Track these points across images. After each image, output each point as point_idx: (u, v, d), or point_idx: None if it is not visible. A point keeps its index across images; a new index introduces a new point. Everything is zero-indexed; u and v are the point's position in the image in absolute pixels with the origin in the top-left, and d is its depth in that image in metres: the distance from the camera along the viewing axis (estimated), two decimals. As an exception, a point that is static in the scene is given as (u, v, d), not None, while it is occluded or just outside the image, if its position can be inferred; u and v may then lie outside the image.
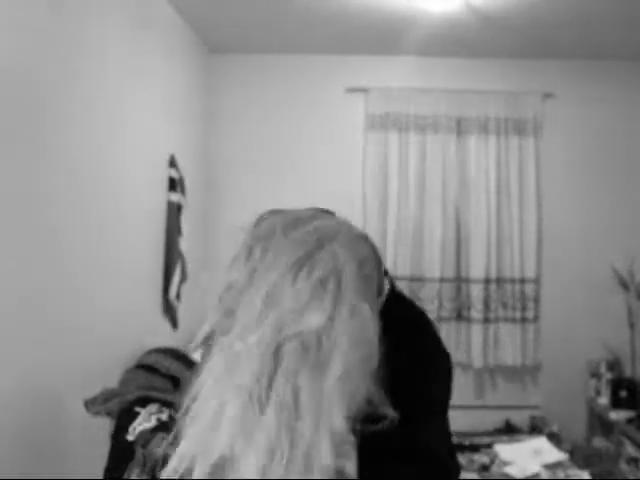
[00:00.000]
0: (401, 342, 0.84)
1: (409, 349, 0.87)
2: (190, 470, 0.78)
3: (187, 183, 3.72)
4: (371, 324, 0.80)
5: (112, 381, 2.49)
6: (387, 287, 0.92)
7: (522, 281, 4.36)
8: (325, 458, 0.74)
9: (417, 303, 0.99)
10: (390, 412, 0.79)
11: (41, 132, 2.15)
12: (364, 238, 0.90)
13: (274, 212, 0.94)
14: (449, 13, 3.57)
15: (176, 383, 2.38)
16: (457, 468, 0.91)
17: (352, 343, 0.77)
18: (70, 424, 2.34)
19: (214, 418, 0.77)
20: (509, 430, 4.15)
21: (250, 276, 0.81)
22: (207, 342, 0.85)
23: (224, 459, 0.76)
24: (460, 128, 4.40)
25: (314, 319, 0.76)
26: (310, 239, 0.82)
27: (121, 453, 1.79)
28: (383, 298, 0.89)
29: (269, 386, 0.75)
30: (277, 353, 0.75)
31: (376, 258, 0.90)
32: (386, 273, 0.94)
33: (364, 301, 0.81)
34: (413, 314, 0.96)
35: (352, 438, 0.78)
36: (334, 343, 0.76)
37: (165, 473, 0.80)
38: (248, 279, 0.81)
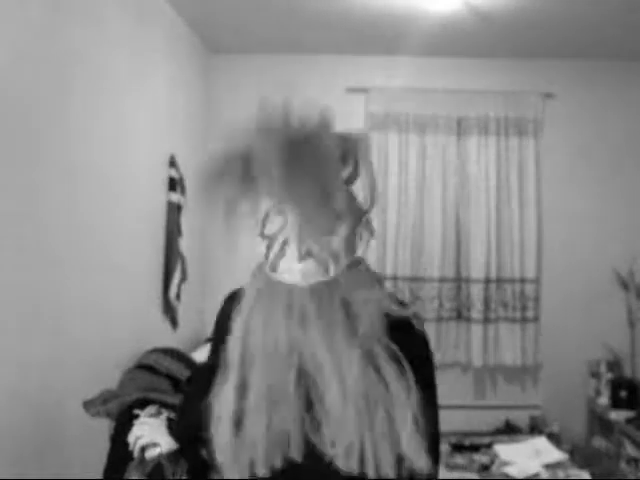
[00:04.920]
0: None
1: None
2: None
3: (187, 183, 3.72)
4: None
5: (112, 381, 2.50)
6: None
7: (522, 281, 4.36)
8: None
9: (416, 303, 1.19)
10: None
11: (41, 133, 2.15)
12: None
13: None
14: (449, 13, 3.57)
15: (176, 383, 2.38)
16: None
17: None
18: (70, 424, 2.34)
19: None
20: (509, 430, 4.15)
21: None
22: None
23: None
24: (460, 128, 4.40)
25: None
26: None
27: (120, 454, 1.79)
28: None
29: None
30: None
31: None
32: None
33: None
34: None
35: None
36: None
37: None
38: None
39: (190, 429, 1.70)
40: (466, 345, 4.38)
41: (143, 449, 1.64)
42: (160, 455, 1.65)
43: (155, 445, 1.64)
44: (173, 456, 1.70)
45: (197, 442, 2.02)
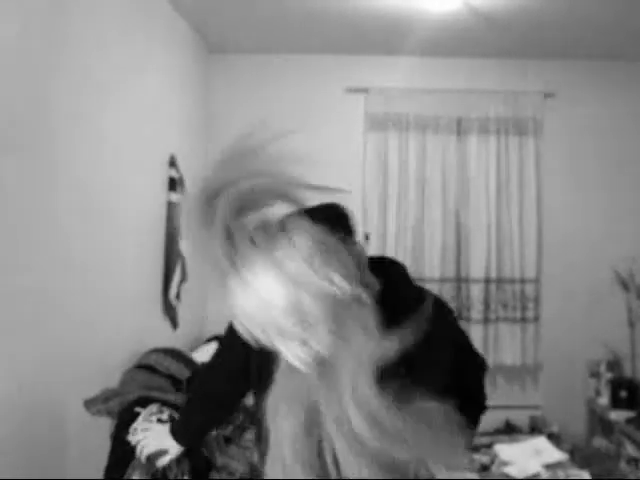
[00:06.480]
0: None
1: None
2: None
3: (187, 183, 3.72)
4: None
5: (112, 381, 2.50)
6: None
7: (522, 281, 4.36)
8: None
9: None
10: None
11: (41, 133, 2.15)
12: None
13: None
14: (449, 13, 3.57)
15: (176, 383, 2.38)
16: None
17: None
18: (70, 424, 2.34)
19: None
20: (509, 430, 4.15)
21: None
22: None
23: None
24: (460, 128, 4.40)
25: None
26: None
27: (122, 453, 1.79)
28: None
29: None
30: None
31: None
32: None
33: None
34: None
35: None
36: None
37: None
38: None
39: (195, 433, 1.69)
40: (466, 345, 4.37)
41: (150, 458, 1.63)
42: (171, 461, 1.64)
43: (164, 453, 1.62)
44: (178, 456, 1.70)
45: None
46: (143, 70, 3.14)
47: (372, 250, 4.29)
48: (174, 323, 3.57)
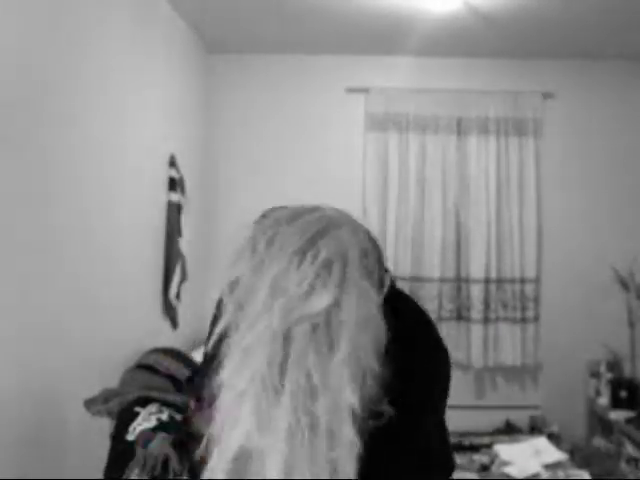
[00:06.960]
0: (403, 342, 0.81)
1: (412, 349, 0.86)
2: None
3: (187, 183, 3.72)
4: (377, 306, 0.80)
5: (112, 381, 2.49)
6: (387, 283, 0.91)
7: (522, 281, 4.36)
8: (347, 434, 0.73)
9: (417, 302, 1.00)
10: (387, 409, 0.78)
11: (41, 132, 2.15)
12: (366, 231, 0.90)
13: (277, 208, 0.95)
14: (449, 13, 3.57)
15: (176, 383, 2.38)
16: (454, 464, 0.93)
17: (360, 323, 0.76)
18: (70, 424, 2.34)
19: (232, 412, 0.76)
20: (509, 430, 4.14)
21: (256, 268, 0.82)
22: (222, 340, 0.86)
23: (244, 451, 0.75)
24: (460, 128, 4.40)
25: (320, 301, 0.76)
26: (314, 226, 0.83)
27: (121, 453, 1.79)
28: (384, 294, 0.86)
29: (282, 372, 0.75)
30: (286, 338, 0.75)
31: (377, 252, 0.90)
32: (386, 270, 0.93)
33: (369, 285, 0.81)
34: (414, 314, 0.95)
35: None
36: (342, 323, 0.76)
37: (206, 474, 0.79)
38: (254, 271, 0.81)
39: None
40: (466, 345, 4.38)
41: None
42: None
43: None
44: (177, 449, 1.70)
45: (196, 440, 2.02)
46: (143, 70, 3.14)
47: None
48: (174, 323, 3.57)
